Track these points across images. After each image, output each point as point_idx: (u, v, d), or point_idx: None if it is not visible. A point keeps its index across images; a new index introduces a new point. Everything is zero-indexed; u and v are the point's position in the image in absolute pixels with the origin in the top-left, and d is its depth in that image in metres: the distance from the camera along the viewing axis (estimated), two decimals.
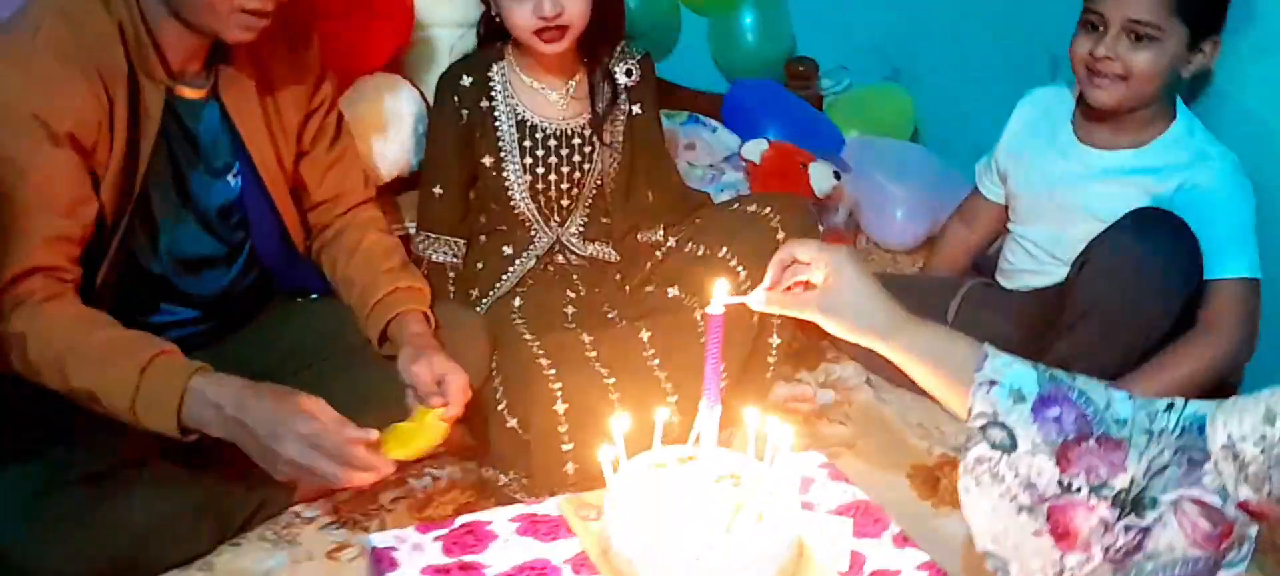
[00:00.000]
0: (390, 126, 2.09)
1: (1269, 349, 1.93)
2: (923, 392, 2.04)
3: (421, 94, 2.18)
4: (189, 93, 1.59)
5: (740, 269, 1.86)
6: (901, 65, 3.09)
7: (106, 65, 1.47)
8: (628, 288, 2.03)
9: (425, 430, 1.53)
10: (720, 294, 1.27)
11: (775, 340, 1.94)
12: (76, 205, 1.47)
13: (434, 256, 1.97)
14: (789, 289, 1.32)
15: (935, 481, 1.86)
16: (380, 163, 2.11)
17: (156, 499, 1.52)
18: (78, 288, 1.51)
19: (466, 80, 1.94)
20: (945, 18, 2.93)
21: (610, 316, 1.92)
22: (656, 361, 1.79)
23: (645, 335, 1.81)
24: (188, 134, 1.61)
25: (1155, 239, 1.79)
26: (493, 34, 1.96)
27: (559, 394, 1.68)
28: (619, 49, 2.00)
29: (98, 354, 1.44)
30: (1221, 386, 1.82)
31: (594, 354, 1.75)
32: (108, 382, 1.42)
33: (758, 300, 1.32)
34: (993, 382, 1.24)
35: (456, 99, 1.94)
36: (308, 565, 1.57)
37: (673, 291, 1.91)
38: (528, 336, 1.78)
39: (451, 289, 1.98)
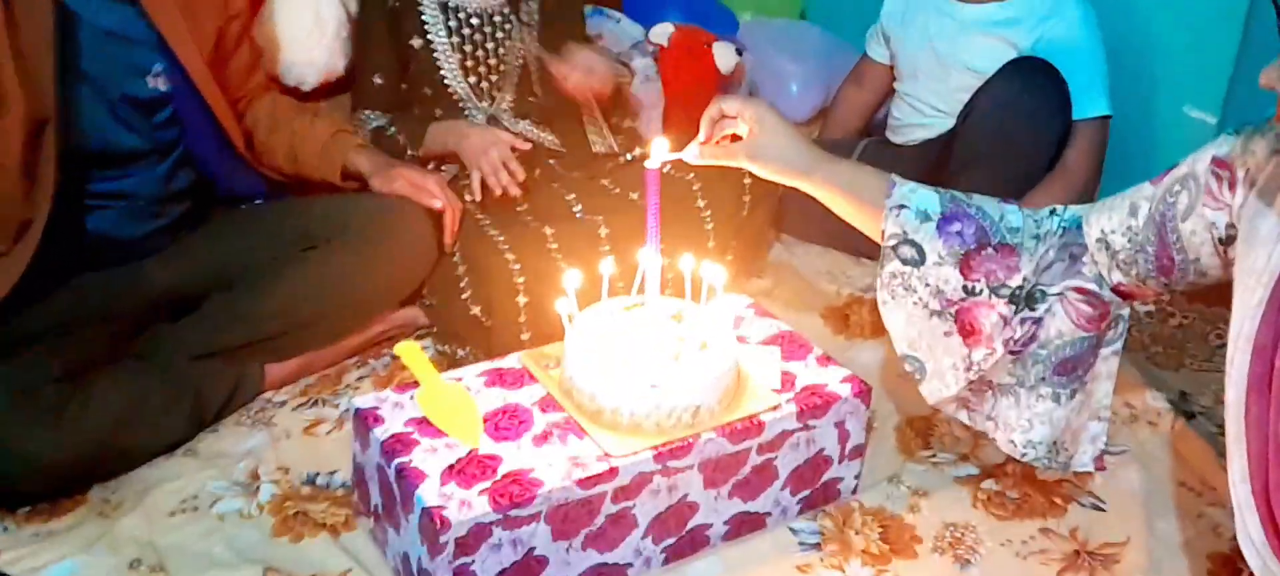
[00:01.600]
0: (314, 31, 2.14)
1: (1122, 175, 2.16)
2: (826, 244, 2.25)
3: None
4: None
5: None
6: None
7: None
8: (574, 174, 2.14)
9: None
10: (658, 150, 1.40)
11: (702, 201, 2.03)
12: None
13: (375, 123, 2.08)
14: (719, 142, 1.47)
15: (846, 318, 2.05)
16: (308, 71, 2.16)
17: (132, 386, 1.59)
18: None
19: None
20: None
21: (575, 210, 2.02)
22: (609, 248, 1.88)
23: (604, 231, 1.92)
24: (89, 26, 1.63)
25: (1031, 87, 1.99)
26: None
27: (521, 287, 1.80)
28: None
29: None
30: None
31: (555, 246, 1.87)
32: None
33: (692, 154, 1.46)
34: (902, 207, 1.41)
35: None
36: (287, 443, 1.67)
37: (634, 195, 2.02)
38: (493, 232, 1.89)
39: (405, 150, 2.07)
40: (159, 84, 1.72)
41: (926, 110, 2.25)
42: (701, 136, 1.45)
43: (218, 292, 1.79)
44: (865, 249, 2.20)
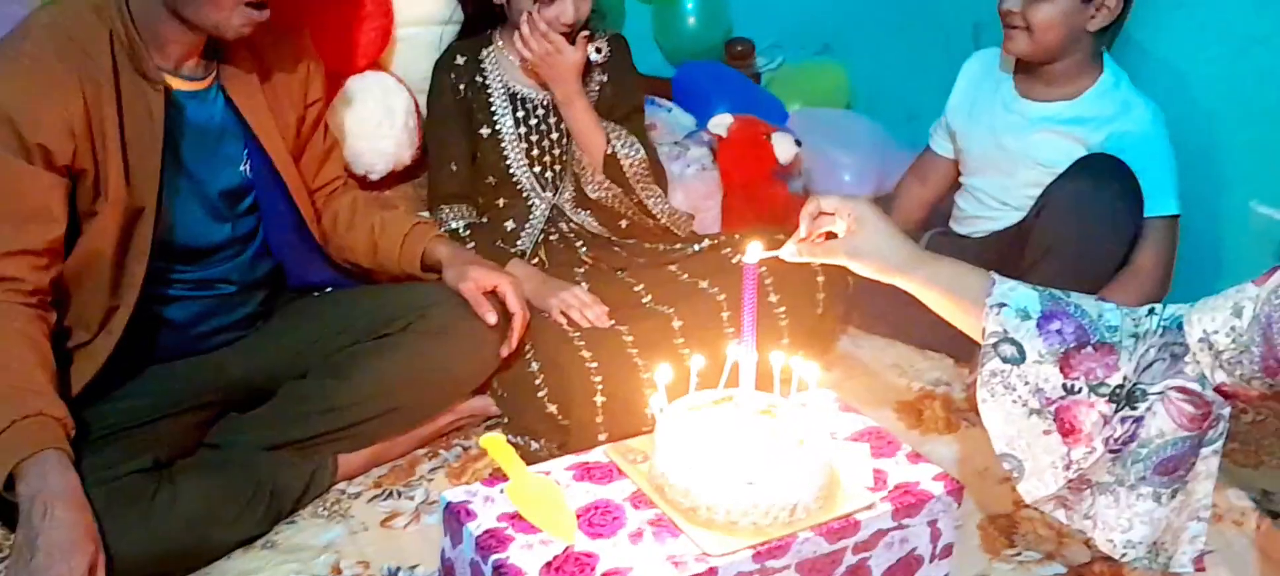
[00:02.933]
0: (384, 122, 2.18)
1: (1189, 272, 2.16)
2: (892, 337, 2.24)
3: (409, 90, 2.27)
4: (191, 85, 1.66)
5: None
6: (831, 40, 3.27)
7: (91, 74, 1.53)
8: (640, 261, 2.16)
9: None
10: (754, 249, 1.40)
11: (774, 297, 2.03)
12: (38, 219, 1.51)
13: (453, 225, 2.09)
14: (817, 238, 1.47)
15: (919, 413, 2.03)
16: (377, 160, 2.19)
17: (215, 480, 1.60)
18: (42, 298, 1.54)
19: (460, 60, 2.12)
20: None
21: (644, 300, 2.03)
22: (683, 341, 1.91)
23: (677, 323, 1.94)
24: (192, 124, 1.67)
25: (1106, 183, 1.99)
26: (484, 21, 2.10)
27: (599, 386, 1.81)
28: (592, 31, 2.14)
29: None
30: None
31: (630, 339, 1.88)
32: None
33: (790, 252, 1.46)
34: (1002, 305, 1.40)
35: (453, 76, 2.11)
36: (365, 535, 1.65)
37: (704, 284, 2.04)
38: (568, 328, 1.91)
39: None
40: (247, 170, 1.74)
41: (992, 204, 2.25)
42: (801, 233, 1.45)
43: (290, 382, 1.79)
44: (931, 342, 2.21)
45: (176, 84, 1.64)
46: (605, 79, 2.20)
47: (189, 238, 1.69)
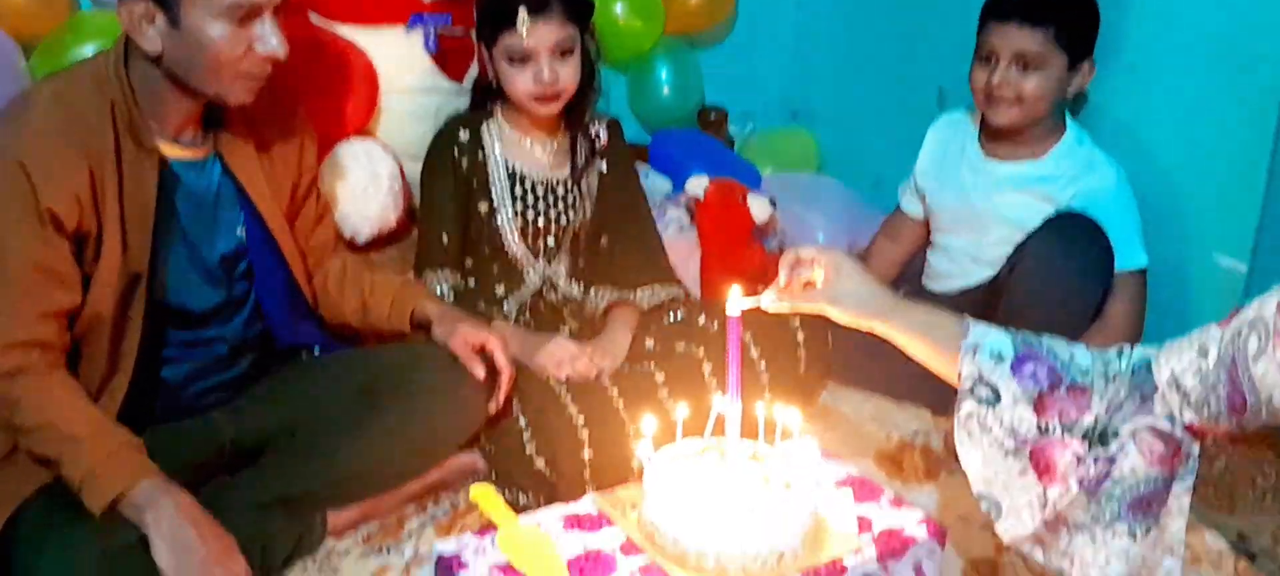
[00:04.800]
0: (370, 188, 2.22)
1: (1157, 323, 2.22)
2: (871, 390, 2.29)
3: (394, 156, 2.32)
4: (189, 153, 1.70)
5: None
6: (800, 108, 3.37)
7: (94, 145, 1.56)
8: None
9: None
10: (736, 298, 1.45)
11: (755, 350, 2.09)
12: (58, 282, 1.55)
13: (438, 289, 2.11)
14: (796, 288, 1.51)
15: (898, 462, 2.07)
16: (362, 224, 2.23)
17: None
18: (66, 354, 1.60)
19: (463, 135, 2.14)
20: (838, 62, 3.22)
21: (625, 363, 2.07)
22: (667, 394, 1.96)
23: (660, 376, 1.99)
24: (191, 192, 1.70)
25: (1077, 239, 2.06)
26: (486, 95, 2.15)
27: (586, 440, 1.85)
28: (591, 114, 2.20)
29: (76, 430, 1.52)
30: None
31: (615, 391, 1.92)
32: (75, 454, 1.51)
33: (769, 300, 1.50)
34: (977, 348, 1.45)
35: (455, 150, 2.13)
36: None
37: (681, 345, 2.09)
38: (554, 384, 1.94)
39: None
40: (242, 235, 1.77)
41: (965, 260, 2.32)
42: (780, 282, 1.50)
43: (280, 441, 1.80)
44: (907, 394, 2.26)
45: (175, 153, 1.67)
46: (604, 168, 2.25)
47: (185, 301, 1.72)
